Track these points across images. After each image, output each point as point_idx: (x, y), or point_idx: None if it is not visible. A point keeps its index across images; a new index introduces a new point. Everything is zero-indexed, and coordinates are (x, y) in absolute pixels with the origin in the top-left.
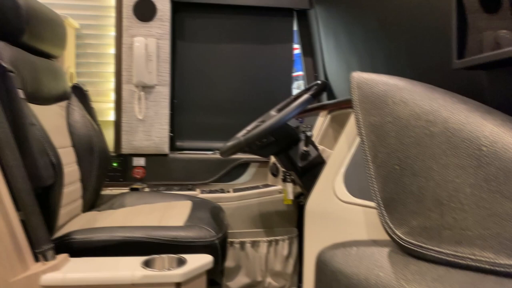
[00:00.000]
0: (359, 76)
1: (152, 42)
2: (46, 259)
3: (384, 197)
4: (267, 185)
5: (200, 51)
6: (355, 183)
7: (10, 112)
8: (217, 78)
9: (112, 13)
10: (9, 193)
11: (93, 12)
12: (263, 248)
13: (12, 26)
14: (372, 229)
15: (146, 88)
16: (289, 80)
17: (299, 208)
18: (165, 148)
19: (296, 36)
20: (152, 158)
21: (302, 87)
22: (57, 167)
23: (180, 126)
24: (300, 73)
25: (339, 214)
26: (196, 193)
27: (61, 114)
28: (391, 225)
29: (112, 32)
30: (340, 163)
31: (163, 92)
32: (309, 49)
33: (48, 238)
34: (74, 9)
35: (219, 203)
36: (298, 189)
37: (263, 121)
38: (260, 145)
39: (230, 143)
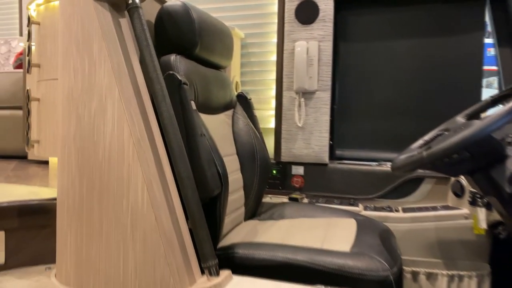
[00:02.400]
0: None
1: (313, 45)
2: (210, 274)
3: None
4: (447, 207)
5: (364, 50)
6: None
7: (183, 123)
8: (383, 79)
9: (275, 20)
10: (180, 204)
11: (257, 21)
12: (442, 282)
13: (187, 40)
14: None
15: (306, 94)
16: (478, 78)
17: (495, 240)
18: (324, 157)
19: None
20: (311, 167)
21: (496, 85)
22: (223, 178)
23: (340, 134)
24: (491, 67)
25: None
26: (359, 209)
27: (227, 122)
28: None
29: (274, 39)
30: None
31: (324, 98)
32: (508, 39)
33: (213, 253)
34: (239, 20)
35: (386, 223)
36: (495, 217)
37: (446, 130)
38: (448, 162)
39: (406, 158)
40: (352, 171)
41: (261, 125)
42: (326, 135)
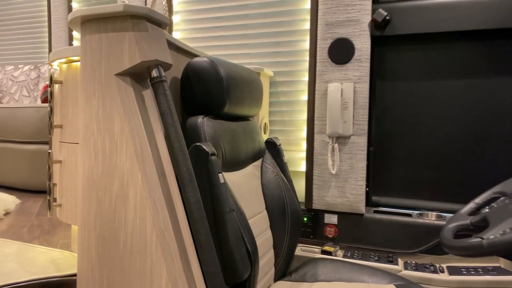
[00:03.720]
0: None
1: (348, 87)
2: None
3: None
4: (499, 270)
5: (405, 91)
6: None
7: (210, 198)
8: (427, 122)
9: (306, 57)
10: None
11: (287, 58)
12: None
13: (215, 100)
14: None
15: (340, 138)
16: None
17: None
18: (360, 207)
19: None
20: (346, 216)
21: None
22: (253, 258)
23: (378, 179)
24: None
25: None
26: (399, 268)
27: (256, 175)
28: None
29: (305, 78)
30: None
31: (360, 143)
32: None
33: None
34: (268, 57)
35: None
36: None
37: (502, 194)
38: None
39: (461, 241)
40: (391, 223)
41: (291, 168)
42: (362, 183)
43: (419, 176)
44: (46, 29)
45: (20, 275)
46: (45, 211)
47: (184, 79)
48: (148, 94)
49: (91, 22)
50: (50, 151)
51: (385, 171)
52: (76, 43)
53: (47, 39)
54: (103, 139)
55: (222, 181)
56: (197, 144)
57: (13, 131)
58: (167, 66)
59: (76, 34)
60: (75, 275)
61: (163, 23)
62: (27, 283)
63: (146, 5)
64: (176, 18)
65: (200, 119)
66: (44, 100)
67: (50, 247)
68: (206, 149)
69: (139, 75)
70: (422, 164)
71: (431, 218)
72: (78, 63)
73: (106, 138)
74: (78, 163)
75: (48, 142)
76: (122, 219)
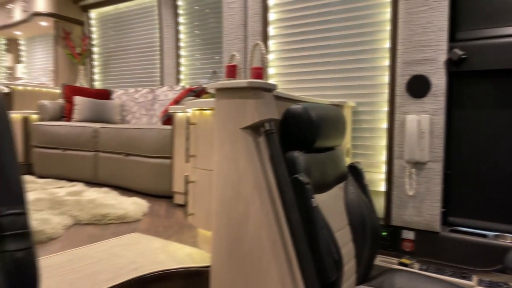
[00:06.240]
0: None
1: (425, 118)
2: None
3: None
4: None
5: (481, 119)
6: None
7: (306, 218)
8: (503, 148)
9: (386, 90)
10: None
11: (368, 91)
12: None
13: (308, 139)
14: None
15: (417, 164)
16: None
17: None
18: (436, 226)
19: None
20: (422, 233)
21: None
22: (339, 264)
23: (454, 201)
24: None
25: None
26: (473, 284)
27: (340, 195)
28: None
29: (385, 108)
30: None
31: (436, 169)
32: None
33: None
34: (351, 89)
35: None
36: None
37: None
38: None
39: None
40: (466, 242)
41: (371, 188)
42: (437, 204)
43: (495, 199)
44: (158, 57)
45: (170, 264)
46: (170, 214)
47: (283, 122)
48: (261, 140)
49: (223, 91)
50: (187, 174)
51: (462, 194)
52: (182, 68)
53: (158, 66)
54: (232, 173)
55: (315, 204)
56: (296, 176)
57: (142, 147)
58: (275, 121)
59: (182, 61)
60: (208, 267)
61: (272, 89)
62: (176, 270)
63: (246, 48)
64: (271, 56)
65: (296, 154)
66: (165, 122)
67: (182, 244)
68: (303, 180)
69: (256, 128)
70: (497, 188)
71: (506, 240)
72: (207, 111)
73: (234, 172)
74: (212, 188)
75: (169, 158)
76: (245, 231)
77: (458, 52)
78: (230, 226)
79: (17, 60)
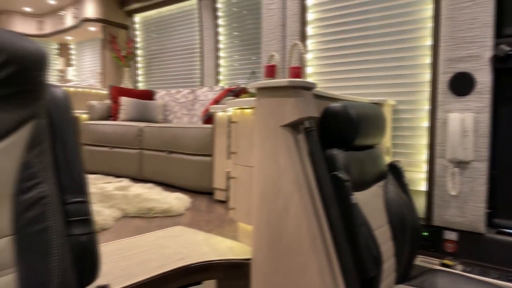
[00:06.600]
0: None
1: (468, 117)
2: None
3: None
4: None
5: None
6: None
7: (345, 214)
8: None
9: (427, 88)
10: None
11: (408, 89)
12: None
13: (347, 136)
14: None
15: (460, 163)
16: None
17: None
18: (480, 227)
19: None
20: (465, 234)
21: None
22: (378, 260)
23: (500, 202)
24: None
25: None
26: None
27: (379, 194)
28: None
29: (426, 106)
30: None
31: (480, 168)
32: None
33: None
34: (392, 87)
35: None
36: None
37: None
38: None
39: None
40: None
41: (411, 187)
42: (482, 205)
43: None
44: (199, 59)
45: (212, 256)
46: (211, 209)
47: (323, 120)
48: (301, 138)
49: (264, 90)
50: (228, 170)
51: (509, 194)
52: (221, 69)
53: (199, 67)
54: (272, 169)
55: (354, 201)
56: (335, 173)
57: (184, 145)
58: (314, 119)
59: (222, 62)
60: (248, 259)
61: (311, 88)
62: (218, 261)
63: (284, 48)
64: (309, 56)
65: (335, 151)
66: (205, 122)
67: (223, 237)
68: (342, 177)
69: (295, 125)
70: None
71: None
72: (248, 110)
73: (274, 168)
74: (253, 184)
75: (210, 155)
76: (285, 225)
77: (505, 48)
78: (270, 220)
79: (68, 64)
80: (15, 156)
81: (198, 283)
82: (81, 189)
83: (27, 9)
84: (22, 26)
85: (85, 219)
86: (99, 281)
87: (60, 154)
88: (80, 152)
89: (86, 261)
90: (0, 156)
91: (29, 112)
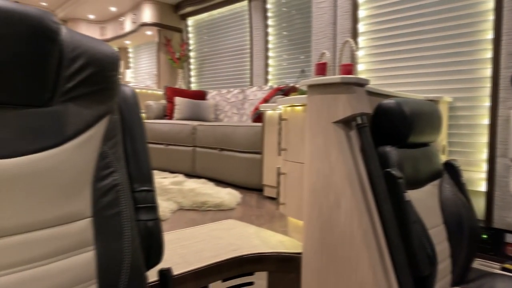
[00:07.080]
0: None
1: None
2: None
3: None
4: None
5: None
6: None
7: (398, 211)
8: None
9: (487, 84)
10: (396, 282)
11: (467, 85)
12: None
13: (400, 134)
14: None
15: None
16: None
17: None
18: None
19: None
20: None
21: None
22: (432, 259)
23: None
24: None
25: None
26: None
27: (434, 193)
28: None
29: (486, 103)
30: None
31: None
32: None
33: None
34: (449, 84)
35: None
36: None
37: None
38: None
39: None
40: None
41: (469, 187)
42: None
43: None
44: (248, 59)
45: (264, 248)
46: (261, 205)
47: (376, 117)
48: (353, 134)
49: (316, 87)
50: (279, 166)
51: None
52: (270, 69)
53: (248, 67)
54: (324, 165)
55: (407, 198)
56: (388, 170)
57: (235, 143)
58: (367, 115)
59: (271, 62)
60: (299, 253)
61: (364, 84)
62: (270, 253)
63: (334, 46)
64: (361, 53)
65: (388, 148)
66: (255, 120)
67: (274, 232)
68: (396, 174)
69: (348, 122)
70: None
71: None
72: (298, 108)
73: (325, 164)
74: (304, 179)
75: (259, 153)
76: (336, 220)
77: None
78: (321, 215)
79: (127, 66)
80: (94, 146)
81: (251, 274)
82: (147, 179)
83: (91, 17)
84: (87, 33)
85: (151, 206)
86: (160, 265)
87: (129, 147)
88: (147, 145)
89: (152, 245)
90: (83, 147)
91: (105, 108)
